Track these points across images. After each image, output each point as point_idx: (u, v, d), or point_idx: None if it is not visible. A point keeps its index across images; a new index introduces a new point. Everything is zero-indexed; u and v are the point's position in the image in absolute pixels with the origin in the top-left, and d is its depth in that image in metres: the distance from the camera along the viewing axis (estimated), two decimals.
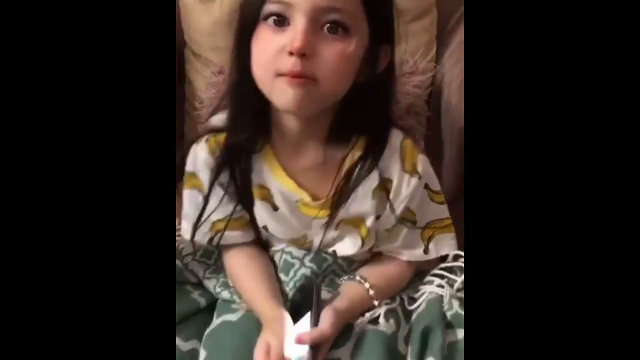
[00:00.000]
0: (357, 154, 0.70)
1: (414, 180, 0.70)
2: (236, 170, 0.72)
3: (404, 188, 0.70)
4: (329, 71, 0.61)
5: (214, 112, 0.75)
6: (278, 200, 0.73)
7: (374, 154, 0.70)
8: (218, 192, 0.73)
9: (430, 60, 0.98)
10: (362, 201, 0.71)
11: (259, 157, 0.72)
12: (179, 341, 0.70)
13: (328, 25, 0.60)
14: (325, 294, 0.73)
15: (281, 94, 0.62)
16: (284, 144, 0.71)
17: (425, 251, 0.74)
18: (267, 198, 0.73)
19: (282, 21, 0.60)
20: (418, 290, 0.75)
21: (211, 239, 0.75)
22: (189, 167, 0.74)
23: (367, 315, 0.70)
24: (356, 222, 0.73)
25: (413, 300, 0.75)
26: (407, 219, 0.73)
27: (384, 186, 0.70)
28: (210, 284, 0.78)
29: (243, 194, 0.73)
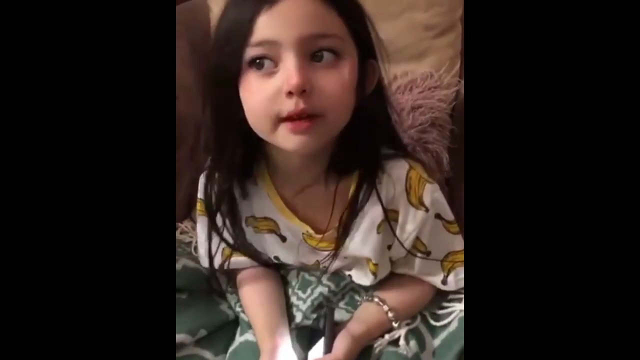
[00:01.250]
0: (354, 185, 0.67)
1: (421, 214, 0.67)
2: (224, 204, 0.69)
3: (410, 221, 0.67)
4: (332, 102, 0.57)
5: None
6: (285, 232, 0.72)
7: (368, 183, 0.66)
8: (219, 221, 0.71)
9: (455, 74, 0.98)
10: (367, 237, 0.68)
11: (260, 189, 0.70)
12: (210, 355, 0.72)
13: (318, 54, 0.56)
14: (343, 314, 0.73)
15: (285, 139, 0.58)
16: (285, 177, 0.68)
17: (444, 282, 0.72)
18: (274, 230, 0.73)
19: (269, 64, 0.56)
20: (442, 307, 0.75)
21: (222, 265, 0.75)
22: (200, 194, 0.72)
23: (387, 336, 0.69)
24: (365, 259, 0.71)
25: (436, 315, 0.74)
26: (419, 249, 0.70)
27: (391, 217, 0.68)
28: (232, 299, 0.79)
29: (235, 226, 0.71)
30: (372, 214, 0.67)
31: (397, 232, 0.68)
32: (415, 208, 0.67)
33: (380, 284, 0.75)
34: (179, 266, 0.77)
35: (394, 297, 0.72)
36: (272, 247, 0.74)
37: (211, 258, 0.73)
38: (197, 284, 0.77)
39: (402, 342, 0.68)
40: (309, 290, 0.74)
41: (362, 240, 0.69)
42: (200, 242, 0.76)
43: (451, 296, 0.75)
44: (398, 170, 0.67)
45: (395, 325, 0.70)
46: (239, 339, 0.73)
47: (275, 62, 0.56)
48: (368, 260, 0.71)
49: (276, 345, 0.68)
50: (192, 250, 0.83)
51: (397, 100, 0.93)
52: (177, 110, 0.77)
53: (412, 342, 0.69)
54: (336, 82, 0.57)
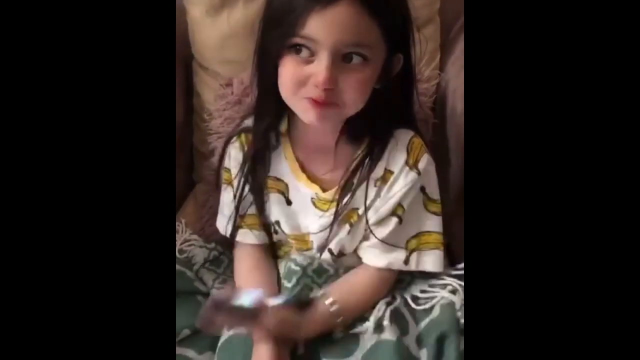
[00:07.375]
0: (363, 153, 0.74)
1: (412, 175, 0.72)
2: (257, 165, 0.76)
3: (401, 179, 0.73)
4: (349, 98, 0.66)
5: (246, 116, 0.81)
6: (292, 195, 0.77)
7: (377, 152, 0.73)
8: (244, 188, 0.77)
9: (435, 68, 0.98)
10: (364, 192, 0.73)
11: (279, 150, 0.77)
12: (193, 354, 0.72)
13: (348, 56, 0.64)
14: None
15: (304, 112, 0.67)
16: (302, 139, 0.76)
17: (406, 262, 0.74)
18: (283, 191, 0.77)
19: (307, 53, 0.64)
20: (424, 291, 0.76)
21: (233, 234, 0.79)
22: (226, 163, 0.80)
23: (372, 320, 0.70)
24: (352, 213, 0.75)
25: (417, 299, 0.75)
26: (397, 213, 0.73)
27: (385, 177, 0.73)
28: None
29: (259, 188, 0.77)
30: (375, 174, 0.73)
31: (384, 191, 0.73)
32: (409, 168, 0.72)
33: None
34: None
35: (341, 289, 0.74)
36: (275, 210, 0.78)
37: (235, 221, 0.78)
38: (181, 286, 0.78)
39: (385, 322, 0.69)
40: (294, 280, 0.75)
41: (360, 195, 0.74)
42: (222, 210, 0.81)
43: (433, 281, 0.76)
44: (404, 135, 0.75)
45: (338, 321, 0.71)
46: (227, 332, 0.74)
47: (312, 54, 0.64)
48: (354, 214, 0.74)
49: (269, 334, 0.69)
50: (176, 252, 0.83)
51: None
52: None
53: (394, 326, 0.70)
54: (358, 82, 0.66)
